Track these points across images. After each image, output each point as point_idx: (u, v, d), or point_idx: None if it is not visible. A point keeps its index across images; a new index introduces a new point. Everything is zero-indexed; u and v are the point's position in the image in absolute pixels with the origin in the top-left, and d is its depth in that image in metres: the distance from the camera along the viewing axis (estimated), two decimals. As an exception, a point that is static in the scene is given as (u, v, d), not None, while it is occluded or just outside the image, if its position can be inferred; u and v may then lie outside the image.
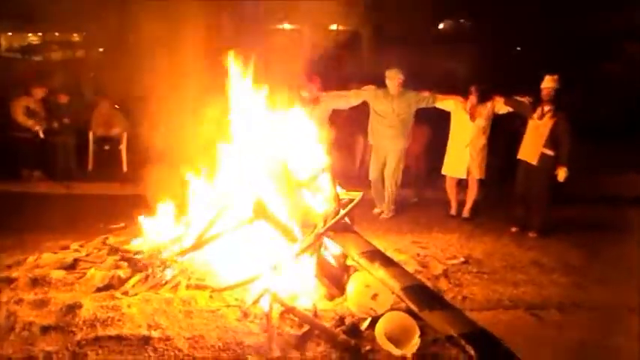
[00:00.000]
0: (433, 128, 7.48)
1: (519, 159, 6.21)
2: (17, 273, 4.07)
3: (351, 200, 4.04)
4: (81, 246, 4.81)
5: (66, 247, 4.79)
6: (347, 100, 6.90)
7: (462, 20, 24.45)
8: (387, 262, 3.57)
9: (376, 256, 3.60)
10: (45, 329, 3.30)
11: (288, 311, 3.47)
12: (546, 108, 5.90)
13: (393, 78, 6.63)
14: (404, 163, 6.92)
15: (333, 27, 20.48)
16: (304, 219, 3.98)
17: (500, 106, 6.44)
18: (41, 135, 7.38)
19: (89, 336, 3.22)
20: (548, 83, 5.90)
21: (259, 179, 4.04)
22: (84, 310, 3.44)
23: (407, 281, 3.41)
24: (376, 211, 7.04)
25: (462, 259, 5.21)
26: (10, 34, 20.65)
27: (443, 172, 6.89)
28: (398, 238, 5.94)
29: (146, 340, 3.22)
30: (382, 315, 3.48)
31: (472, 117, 6.50)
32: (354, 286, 3.67)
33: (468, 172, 6.64)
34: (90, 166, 8.16)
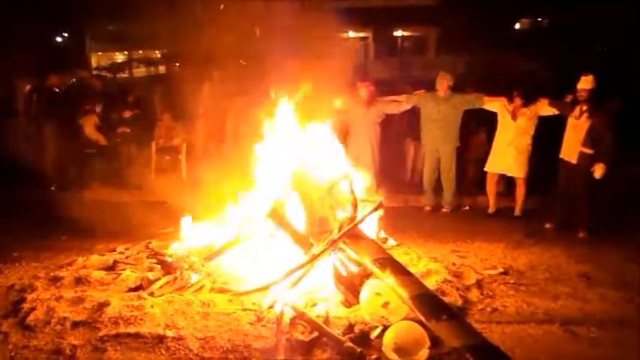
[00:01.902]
0: (490, 135, 7.35)
1: (560, 158, 6.21)
2: (65, 273, 4.45)
3: (376, 207, 4.02)
4: (126, 249, 5.15)
5: (113, 250, 5.16)
6: (399, 104, 7.27)
7: (539, 19, 23.34)
8: (399, 269, 3.52)
9: (388, 263, 3.55)
10: (75, 324, 3.58)
11: (298, 317, 3.51)
12: (584, 107, 5.89)
13: (442, 80, 6.97)
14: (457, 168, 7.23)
15: (398, 33, 20.42)
16: (323, 225, 4.01)
17: (544, 108, 6.53)
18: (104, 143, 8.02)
19: (111, 332, 3.46)
20: (583, 84, 5.90)
21: (280, 185, 4.13)
22: (111, 307, 3.70)
23: (416, 290, 3.34)
24: (427, 208, 7.34)
25: (501, 270, 4.98)
26: (100, 53, 22.55)
27: (485, 168, 7.03)
28: (438, 246, 5.79)
29: (161, 339, 3.40)
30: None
31: (514, 117, 6.68)
32: (366, 293, 3.64)
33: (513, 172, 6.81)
34: (152, 175, 8.69)
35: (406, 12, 18.00)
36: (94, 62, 21.25)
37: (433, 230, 6.49)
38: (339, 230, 3.80)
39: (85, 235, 6.01)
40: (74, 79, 9.07)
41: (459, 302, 4.12)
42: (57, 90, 8.05)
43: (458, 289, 4.37)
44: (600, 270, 5.03)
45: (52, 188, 7.73)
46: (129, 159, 8.34)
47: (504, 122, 6.75)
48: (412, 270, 4.57)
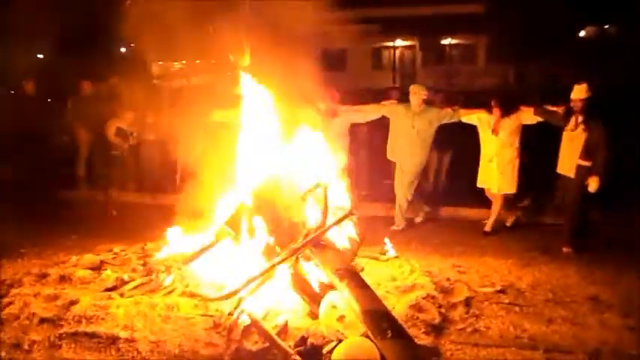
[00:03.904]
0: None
1: (559, 173, 5.80)
2: (54, 270, 4.61)
3: (344, 215, 3.87)
4: (122, 250, 5.27)
5: (110, 250, 5.29)
6: (365, 114, 6.89)
7: (606, 26, 22.02)
8: (357, 282, 3.34)
9: (347, 275, 3.39)
10: (42, 320, 3.67)
11: (252, 325, 3.42)
12: (580, 118, 5.47)
13: (417, 93, 6.53)
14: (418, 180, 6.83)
15: (446, 41, 19.91)
16: (292, 233, 3.90)
17: (528, 116, 6.08)
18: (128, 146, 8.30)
19: (71, 330, 3.51)
20: (577, 94, 5.48)
21: (249, 189, 4.06)
22: (78, 306, 3.76)
23: (369, 305, 3.16)
24: (394, 228, 6.77)
25: (499, 288, 4.65)
26: (160, 63, 23.57)
27: (478, 184, 6.61)
28: (440, 259, 5.51)
29: (114, 340, 3.40)
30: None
31: (494, 131, 6.20)
32: (323, 305, 3.49)
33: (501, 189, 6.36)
34: (177, 179, 8.89)
35: (454, 20, 17.53)
36: (154, 71, 22.19)
37: (442, 243, 6.20)
38: (304, 238, 3.68)
39: (95, 235, 6.21)
40: (107, 86, 9.47)
41: (437, 320, 3.87)
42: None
43: (440, 306, 4.10)
44: (613, 293, 4.58)
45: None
46: (152, 163, 8.58)
47: (485, 136, 6.34)
48: (398, 283, 4.44)
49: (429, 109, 6.58)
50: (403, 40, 19.59)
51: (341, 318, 3.36)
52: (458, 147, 7.60)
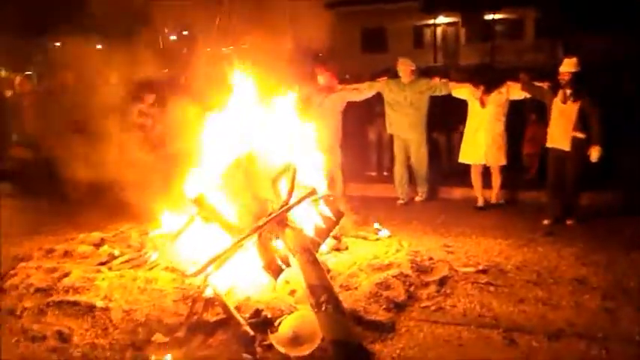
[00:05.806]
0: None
1: (549, 147, 5.78)
2: (61, 246, 5.04)
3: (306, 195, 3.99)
4: (129, 228, 5.65)
5: (117, 229, 5.67)
6: (360, 92, 7.05)
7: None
8: (308, 259, 3.46)
9: (300, 251, 3.52)
10: (37, 290, 4.07)
11: (214, 298, 3.64)
12: (568, 91, 5.46)
13: (404, 64, 6.71)
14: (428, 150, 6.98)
15: (489, 17, 19.04)
16: (262, 212, 4.06)
17: (515, 91, 6.13)
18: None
19: (58, 299, 3.88)
20: (566, 67, 5.48)
21: (219, 172, 4.24)
22: (69, 278, 4.14)
23: (313, 280, 3.28)
24: (400, 202, 7.01)
25: (480, 268, 4.60)
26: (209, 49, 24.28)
27: (460, 159, 6.67)
28: (435, 239, 5.50)
29: (91, 309, 3.74)
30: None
31: (482, 103, 6.29)
32: (279, 280, 3.65)
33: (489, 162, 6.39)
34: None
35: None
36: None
37: (443, 223, 6.12)
38: (268, 216, 3.83)
39: (114, 216, 6.58)
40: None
41: (401, 298, 3.92)
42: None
43: (411, 284, 4.15)
44: (605, 276, 4.41)
45: None
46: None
47: (473, 110, 6.37)
48: (375, 262, 4.50)
49: (419, 80, 6.77)
50: (445, 16, 19.04)
51: (292, 292, 3.51)
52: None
